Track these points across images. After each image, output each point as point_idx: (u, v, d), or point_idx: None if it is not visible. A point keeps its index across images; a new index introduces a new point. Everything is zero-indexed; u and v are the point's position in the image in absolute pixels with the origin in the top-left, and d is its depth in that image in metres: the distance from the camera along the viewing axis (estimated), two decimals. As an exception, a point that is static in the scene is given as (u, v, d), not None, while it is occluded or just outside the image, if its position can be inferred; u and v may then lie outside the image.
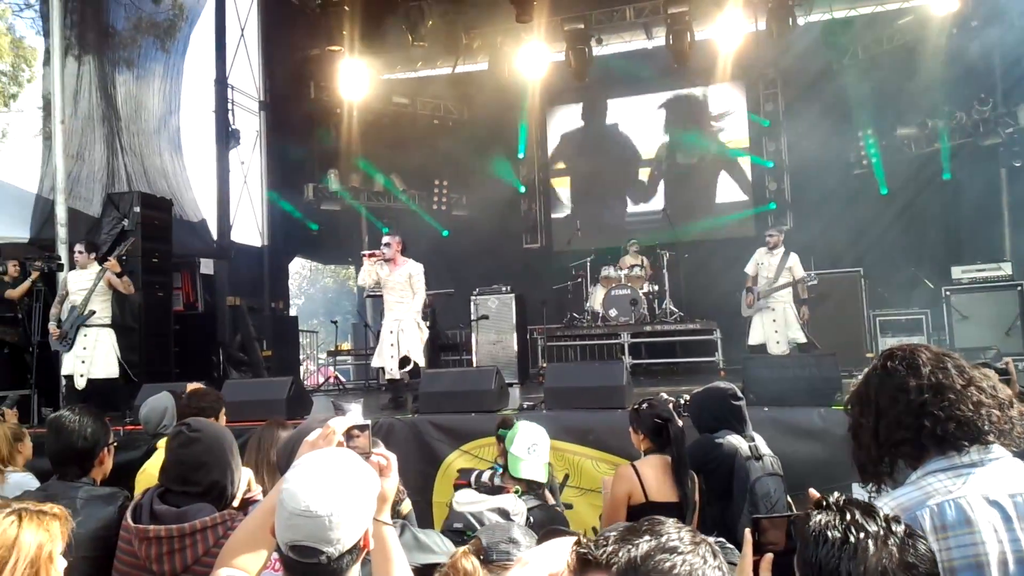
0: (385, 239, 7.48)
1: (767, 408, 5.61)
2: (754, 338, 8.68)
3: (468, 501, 3.00)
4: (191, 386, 4.60)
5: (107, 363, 7.60)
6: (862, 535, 1.33)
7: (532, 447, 3.31)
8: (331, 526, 1.58)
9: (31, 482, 3.64)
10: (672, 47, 11.96)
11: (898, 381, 1.81)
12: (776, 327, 8.49)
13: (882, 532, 1.34)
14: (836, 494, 1.42)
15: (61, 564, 1.69)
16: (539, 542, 1.92)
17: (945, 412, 1.74)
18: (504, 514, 2.79)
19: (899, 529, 1.36)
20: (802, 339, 8.46)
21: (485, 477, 3.58)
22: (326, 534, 1.58)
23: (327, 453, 1.76)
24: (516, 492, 3.18)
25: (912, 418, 1.77)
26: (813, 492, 1.54)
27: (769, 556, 1.45)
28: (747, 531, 1.49)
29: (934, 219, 11.68)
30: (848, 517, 1.36)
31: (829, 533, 1.34)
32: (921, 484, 1.72)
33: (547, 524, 2.95)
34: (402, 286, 7.46)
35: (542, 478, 3.29)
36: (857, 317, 9.81)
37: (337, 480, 1.64)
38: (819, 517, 1.38)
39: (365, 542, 1.68)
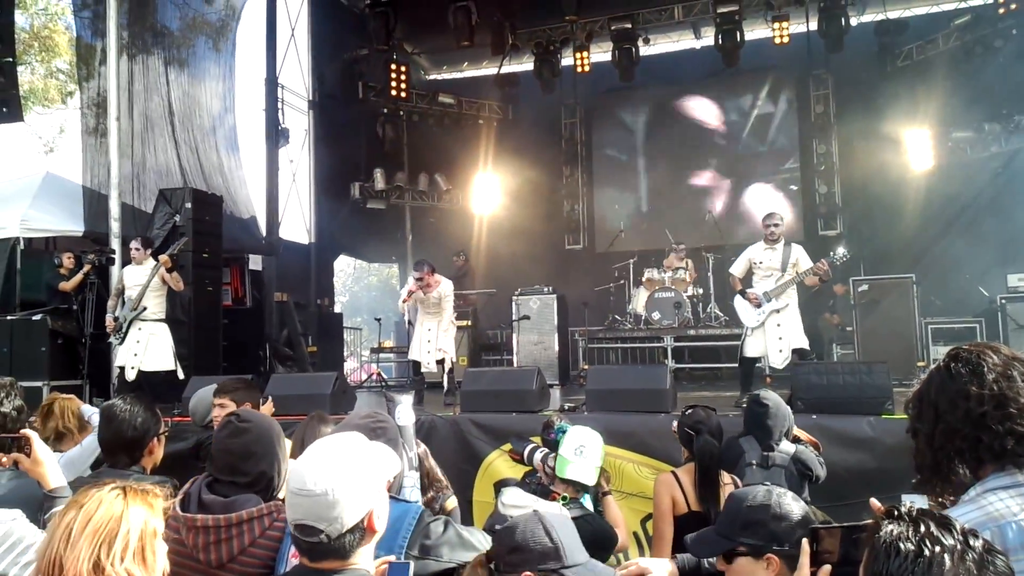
0: (415, 274, 7.81)
1: (815, 416, 5.51)
2: (753, 349, 7.12)
3: (513, 504, 2.97)
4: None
5: (162, 356, 7.76)
6: (937, 549, 1.24)
7: (579, 449, 3.27)
8: (329, 504, 1.64)
9: (75, 452, 3.69)
10: (721, 47, 11.83)
11: (960, 386, 1.72)
12: (780, 332, 6.91)
13: (959, 546, 1.24)
14: (908, 503, 1.33)
15: (162, 545, 1.69)
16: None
17: (1005, 427, 1.65)
18: None
19: (977, 544, 1.26)
20: (805, 344, 6.94)
21: (538, 457, 3.57)
22: (324, 512, 1.64)
23: (336, 437, 1.82)
24: (563, 500, 3.15)
25: (970, 428, 1.69)
26: (875, 502, 1.48)
27: (827, 568, 1.41)
28: (804, 541, 1.44)
29: (989, 225, 11.38)
30: (922, 529, 1.27)
31: (902, 545, 1.25)
32: (981, 503, 1.64)
33: (590, 536, 2.92)
34: (436, 305, 7.97)
35: (589, 481, 3.24)
36: (908, 325, 9.55)
37: (337, 460, 1.70)
38: (890, 527, 1.28)
39: (370, 523, 1.71)
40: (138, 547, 1.58)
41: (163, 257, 7.70)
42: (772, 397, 3.98)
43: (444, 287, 7.94)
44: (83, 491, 1.65)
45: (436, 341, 7.89)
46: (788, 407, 4.05)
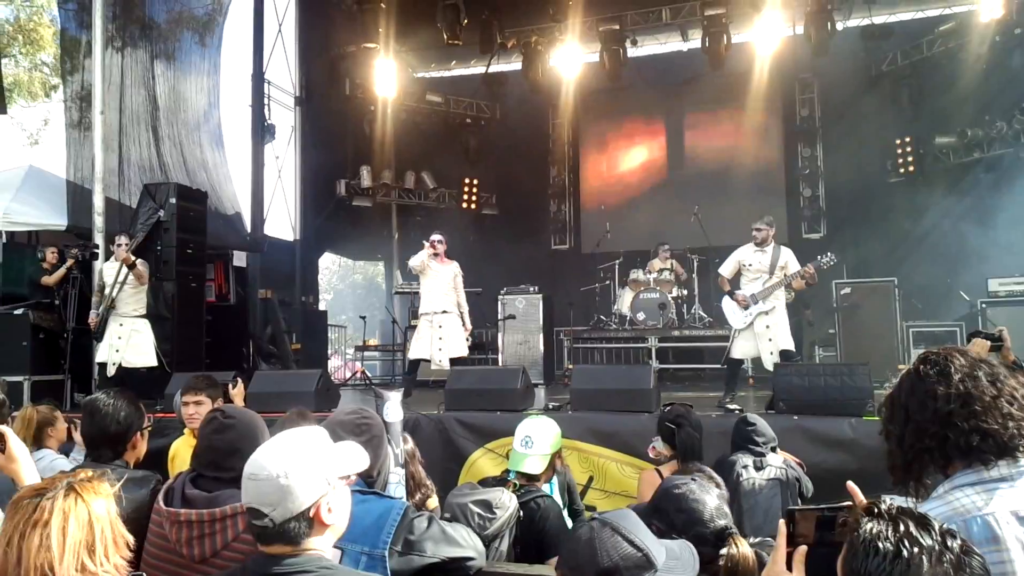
0: (439, 235, 7.79)
1: (796, 417, 5.56)
2: (740, 351, 7.11)
3: (460, 493, 3.02)
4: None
5: (144, 352, 7.71)
6: (916, 549, 1.24)
7: (526, 440, 3.31)
8: (274, 489, 1.69)
9: (64, 464, 3.69)
10: (708, 50, 11.89)
11: (928, 387, 1.78)
12: (770, 334, 6.88)
13: (937, 547, 1.25)
14: (888, 501, 1.34)
15: (120, 522, 1.70)
16: None
17: (970, 424, 1.70)
18: (487, 506, 2.79)
19: (954, 544, 1.27)
20: (791, 346, 6.94)
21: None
22: (269, 496, 1.69)
23: (296, 430, 1.87)
24: (515, 487, 3.18)
25: (937, 427, 1.74)
26: (851, 485, 1.51)
27: (803, 548, 1.42)
28: (781, 522, 1.46)
29: (971, 230, 11.49)
30: (901, 529, 1.27)
31: (880, 545, 1.26)
32: (948, 499, 1.68)
33: (533, 519, 2.95)
34: (448, 282, 7.80)
35: (535, 470, 3.27)
36: (890, 328, 9.66)
37: (288, 449, 1.75)
38: (869, 526, 1.29)
39: (318, 514, 1.73)
40: (112, 539, 1.60)
41: (122, 255, 7.58)
42: (757, 418, 4.16)
43: (456, 267, 7.90)
44: (32, 504, 1.56)
45: (451, 337, 7.68)
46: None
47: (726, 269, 7.29)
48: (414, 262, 7.77)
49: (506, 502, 2.81)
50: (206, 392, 4.18)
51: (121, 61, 10.15)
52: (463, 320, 7.89)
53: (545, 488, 3.68)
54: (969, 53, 11.27)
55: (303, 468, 1.73)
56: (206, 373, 4.85)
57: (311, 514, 1.72)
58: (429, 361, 7.75)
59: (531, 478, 3.27)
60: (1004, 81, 11.19)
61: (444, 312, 7.72)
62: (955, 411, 1.72)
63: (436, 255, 7.67)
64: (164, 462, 4.28)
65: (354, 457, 1.90)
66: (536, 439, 3.31)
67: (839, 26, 11.72)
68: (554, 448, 3.35)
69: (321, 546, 1.77)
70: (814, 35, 11.32)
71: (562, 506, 3.80)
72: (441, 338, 7.64)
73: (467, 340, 7.92)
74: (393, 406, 2.73)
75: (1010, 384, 1.76)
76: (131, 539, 1.65)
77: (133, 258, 7.61)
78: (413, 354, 7.87)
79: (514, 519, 2.80)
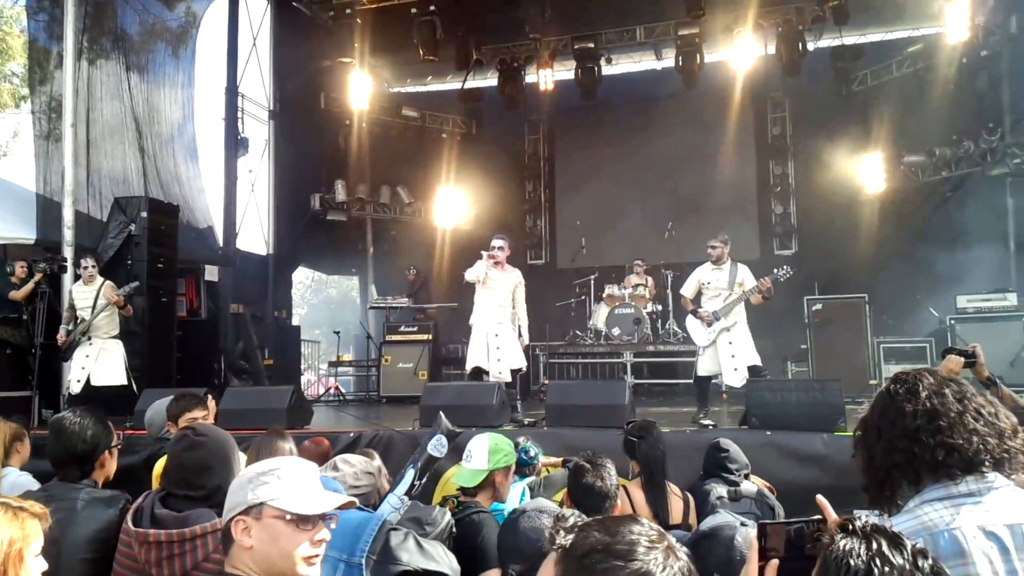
0: (499, 242, 7.46)
1: (769, 432, 5.60)
2: (705, 367, 7.23)
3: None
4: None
5: (114, 371, 7.59)
6: (887, 568, 1.25)
7: (467, 454, 3.30)
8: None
9: (30, 483, 3.62)
10: (681, 68, 12.04)
11: (897, 405, 1.82)
12: (733, 351, 7.00)
13: (908, 567, 1.26)
14: (863, 517, 1.34)
15: (36, 565, 1.64)
16: None
17: (936, 440, 1.73)
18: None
19: (925, 564, 1.27)
20: (758, 361, 7.02)
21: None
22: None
23: (281, 459, 1.91)
24: (453, 501, 3.19)
25: (906, 443, 1.77)
26: (821, 499, 1.52)
27: (774, 562, 1.43)
28: (753, 536, 1.47)
29: (940, 248, 11.68)
30: (874, 547, 1.27)
31: (852, 562, 1.26)
32: (917, 513, 1.70)
33: (468, 534, 2.95)
34: (507, 292, 7.45)
35: (469, 484, 3.25)
36: (861, 344, 9.77)
37: (254, 468, 1.83)
38: (843, 542, 1.29)
39: (232, 531, 1.74)
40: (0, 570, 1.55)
41: (117, 297, 7.51)
42: (730, 444, 4.12)
43: (518, 276, 7.55)
44: None
45: (508, 348, 7.33)
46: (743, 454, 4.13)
47: (687, 289, 7.50)
48: (471, 276, 7.40)
49: (438, 519, 2.81)
50: (205, 407, 4.09)
51: (93, 73, 10.04)
52: (520, 332, 7.53)
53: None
54: (937, 74, 11.50)
55: (236, 483, 1.80)
56: (188, 390, 4.77)
57: (229, 527, 1.75)
58: (488, 372, 7.33)
59: (469, 492, 3.26)
60: (971, 101, 11.42)
61: (499, 323, 7.36)
62: (922, 427, 1.76)
63: (497, 263, 7.36)
64: (136, 479, 4.17)
65: (309, 498, 1.77)
66: (475, 454, 3.29)
67: (810, 46, 11.91)
68: (493, 465, 3.27)
69: (249, 567, 1.73)
70: (785, 55, 11.50)
71: None
72: (499, 348, 7.30)
73: (524, 339, 7.61)
74: (442, 443, 2.75)
75: (977, 401, 1.79)
76: None
77: (124, 301, 7.55)
78: (473, 362, 7.41)
79: (446, 534, 2.79)
